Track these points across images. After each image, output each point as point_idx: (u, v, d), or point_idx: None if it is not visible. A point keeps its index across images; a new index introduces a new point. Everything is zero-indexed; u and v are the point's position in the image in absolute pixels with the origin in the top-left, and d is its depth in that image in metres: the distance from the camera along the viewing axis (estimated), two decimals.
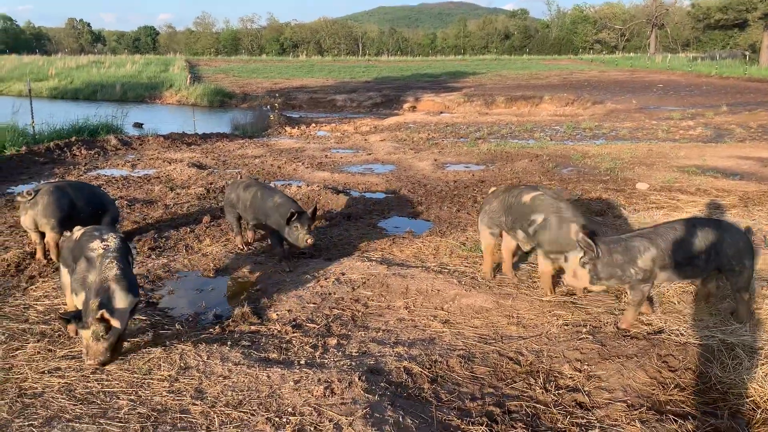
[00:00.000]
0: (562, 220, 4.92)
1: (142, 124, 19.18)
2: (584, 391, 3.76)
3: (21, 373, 3.92)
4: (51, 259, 6.14)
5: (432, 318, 4.91)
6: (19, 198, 6.12)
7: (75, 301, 4.18)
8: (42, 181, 9.30)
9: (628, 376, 3.89)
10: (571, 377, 3.94)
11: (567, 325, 4.66)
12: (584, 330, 4.57)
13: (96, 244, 4.31)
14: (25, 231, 6.57)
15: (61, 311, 4.73)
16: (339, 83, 33.86)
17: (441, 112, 24.16)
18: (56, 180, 9.30)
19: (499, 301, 5.16)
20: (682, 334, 4.42)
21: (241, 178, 9.92)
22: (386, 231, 7.59)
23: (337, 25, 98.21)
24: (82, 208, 6.29)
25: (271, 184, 7.23)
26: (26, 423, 3.32)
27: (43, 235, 6.13)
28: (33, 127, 13.81)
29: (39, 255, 6.18)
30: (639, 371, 3.94)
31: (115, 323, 3.87)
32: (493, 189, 5.92)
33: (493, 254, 5.79)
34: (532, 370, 4.06)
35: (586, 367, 4.05)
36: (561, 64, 51.85)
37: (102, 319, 3.83)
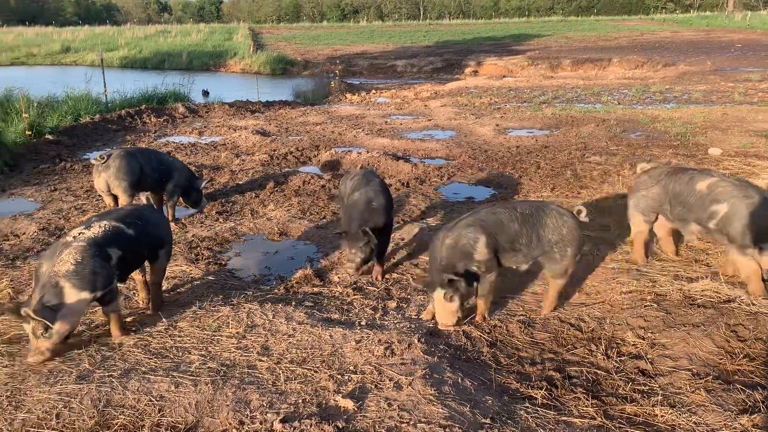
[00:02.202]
0: (753, 205, 4.30)
1: (208, 92, 19.62)
2: (647, 359, 3.71)
3: (100, 328, 4.17)
4: None
5: None
6: (93, 161, 6.44)
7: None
8: (114, 147, 9.70)
9: (694, 344, 3.80)
10: (633, 344, 3.89)
11: (631, 293, 4.58)
12: (649, 298, 4.47)
13: (74, 231, 3.91)
14: (100, 195, 6.90)
15: (8, 300, 4.56)
16: (399, 48, 33.49)
17: (504, 76, 23.63)
18: (127, 146, 9.69)
19: None
20: (753, 304, 4.26)
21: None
22: (445, 198, 7.57)
23: None
24: (150, 173, 6.58)
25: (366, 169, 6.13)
26: (106, 374, 3.54)
27: (116, 198, 6.44)
28: (105, 95, 14.33)
29: None
30: (706, 340, 3.84)
31: (52, 325, 3.56)
32: (645, 167, 5.24)
33: (646, 241, 5.22)
34: (593, 336, 4.03)
35: (649, 334, 3.98)
36: (630, 25, 49.55)
37: (31, 317, 3.50)
